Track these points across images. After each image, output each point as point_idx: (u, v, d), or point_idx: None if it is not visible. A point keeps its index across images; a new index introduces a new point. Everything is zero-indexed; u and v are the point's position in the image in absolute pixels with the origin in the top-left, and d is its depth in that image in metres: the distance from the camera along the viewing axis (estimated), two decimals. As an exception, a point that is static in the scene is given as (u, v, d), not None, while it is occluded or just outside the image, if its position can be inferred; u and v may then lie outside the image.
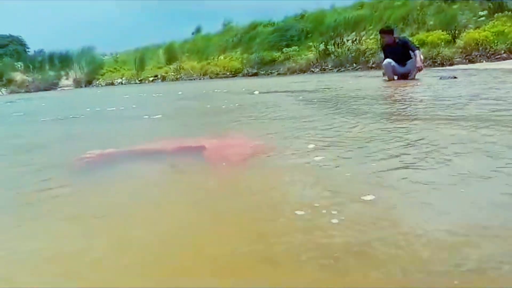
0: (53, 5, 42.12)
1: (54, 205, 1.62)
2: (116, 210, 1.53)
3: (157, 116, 4.29)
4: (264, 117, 3.60)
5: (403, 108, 3.57)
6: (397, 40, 7.42)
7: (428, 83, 6.20)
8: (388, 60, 7.35)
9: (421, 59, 7.11)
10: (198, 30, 23.23)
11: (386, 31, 7.56)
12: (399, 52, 7.25)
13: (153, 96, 8.80)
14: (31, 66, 24.26)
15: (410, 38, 10.31)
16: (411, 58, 7.23)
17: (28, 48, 34.34)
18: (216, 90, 8.59)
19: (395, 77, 7.49)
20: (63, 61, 24.96)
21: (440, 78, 6.89)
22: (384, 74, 7.68)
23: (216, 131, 3.12)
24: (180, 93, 8.96)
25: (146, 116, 4.34)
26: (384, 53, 7.68)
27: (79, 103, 8.73)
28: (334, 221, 1.23)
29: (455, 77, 6.80)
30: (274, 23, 19.34)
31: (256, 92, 6.84)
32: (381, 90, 5.94)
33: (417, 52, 7.07)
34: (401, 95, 4.65)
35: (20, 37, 33.26)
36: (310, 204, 1.37)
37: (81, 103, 8.24)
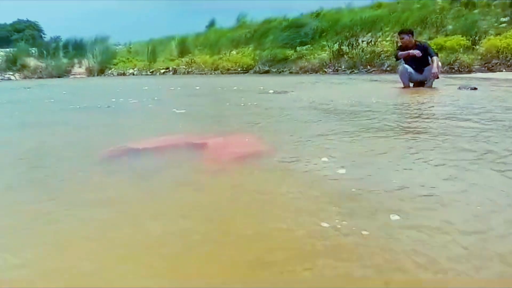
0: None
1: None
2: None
3: (182, 111, 4.48)
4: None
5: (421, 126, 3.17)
6: (417, 43, 6.89)
7: (446, 94, 5.74)
8: (405, 66, 6.90)
9: (438, 66, 6.70)
10: (212, 23, 22.81)
11: (406, 31, 6.99)
12: (418, 59, 6.74)
13: (171, 89, 8.89)
14: (45, 52, 24.09)
15: (429, 42, 9.80)
16: (429, 64, 6.78)
17: (44, 34, 34.31)
18: (234, 88, 8.54)
19: (411, 84, 7.05)
20: (77, 48, 24.77)
21: (459, 88, 6.43)
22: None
23: (231, 128, 3.35)
24: (197, 88, 8.96)
25: (174, 109, 4.56)
26: (399, 56, 7.04)
27: (99, 92, 8.82)
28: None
29: (475, 88, 6.33)
30: (288, 20, 18.83)
31: (271, 91, 6.92)
32: (392, 100, 5.51)
33: (435, 58, 6.66)
34: (418, 108, 4.24)
35: (37, 23, 33.26)
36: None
37: (102, 93, 8.41)
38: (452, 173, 1.83)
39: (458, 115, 3.55)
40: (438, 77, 6.82)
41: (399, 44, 7.20)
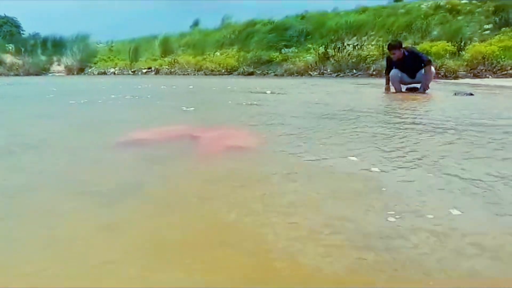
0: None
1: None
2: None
3: (191, 108, 4.45)
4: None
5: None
6: (406, 53, 6.45)
7: (442, 100, 5.36)
8: (395, 70, 6.52)
9: (431, 77, 6.51)
10: (196, 23, 22.20)
11: (395, 46, 6.45)
12: (409, 66, 6.40)
13: (164, 88, 8.79)
14: (22, 49, 23.03)
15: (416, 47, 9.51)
16: (421, 68, 6.40)
17: (23, 30, 33.00)
18: (228, 87, 8.34)
19: (403, 88, 6.68)
20: (56, 46, 23.78)
21: (455, 94, 6.08)
22: (387, 89, 6.77)
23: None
24: (191, 87, 8.83)
25: (184, 108, 4.52)
26: (389, 65, 6.68)
27: (92, 89, 8.60)
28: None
29: (471, 94, 5.99)
30: (273, 22, 18.41)
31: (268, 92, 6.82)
32: (388, 106, 5.09)
33: (428, 67, 6.36)
34: (419, 114, 3.81)
35: (15, 19, 31.88)
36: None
37: (96, 90, 8.25)
38: None
39: (477, 120, 3.14)
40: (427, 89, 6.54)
41: (391, 57, 6.63)
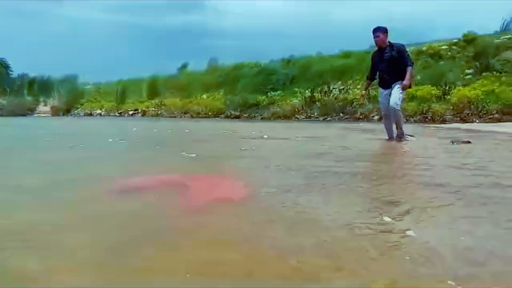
0: (43, 30, 40.80)
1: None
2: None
3: (193, 155, 4.37)
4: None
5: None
6: (392, 47, 5.60)
7: (442, 151, 4.92)
8: (382, 97, 5.83)
9: (412, 75, 5.79)
10: (184, 66, 22.07)
11: (379, 28, 5.65)
12: (391, 62, 5.59)
13: (158, 131, 8.53)
14: (8, 90, 22.45)
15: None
16: (404, 73, 5.54)
17: (11, 71, 32.63)
18: (223, 131, 8.09)
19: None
20: (43, 87, 23.34)
21: (452, 143, 5.68)
22: (362, 96, 6.47)
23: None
24: (187, 130, 8.71)
25: (188, 154, 4.39)
26: (372, 65, 5.96)
27: (86, 133, 8.40)
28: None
29: (469, 142, 5.60)
30: (259, 65, 18.32)
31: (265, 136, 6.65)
32: (386, 160, 4.64)
33: (409, 68, 5.55)
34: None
35: (4, 59, 31.48)
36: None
37: (90, 133, 8.09)
38: None
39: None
40: (410, 87, 5.98)
41: (375, 41, 5.75)
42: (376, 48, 5.95)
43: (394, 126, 5.92)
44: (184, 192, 2.48)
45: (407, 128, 6.70)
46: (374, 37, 5.70)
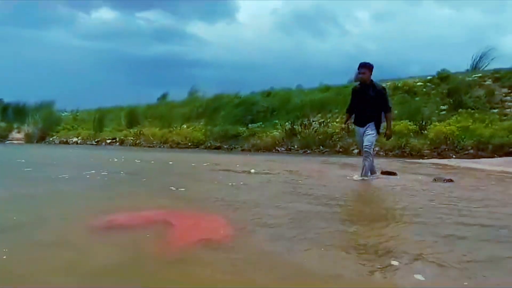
0: (22, 56, 40.10)
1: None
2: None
3: (182, 189, 4.30)
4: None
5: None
6: (374, 85, 5.48)
7: (427, 191, 4.84)
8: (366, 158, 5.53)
9: (390, 124, 5.76)
10: (164, 96, 21.88)
11: (366, 65, 5.46)
12: (371, 102, 5.42)
13: (140, 163, 8.20)
14: (-21, 116, 21.67)
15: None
16: (378, 112, 5.47)
17: (-14, 97, 31.71)
18: (205, 164, 7.77)
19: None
20: (18, 113, 22.60)
21: (435, 180, 5.64)
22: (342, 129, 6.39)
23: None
24: (170, 162, 8.45)
25: (176, 189, 4.30)
26: (351, 99, 5.76)
27: (64, 162, 7.96)
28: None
29: (451, 180, 5.57)
30: (240, 97, 18.34)
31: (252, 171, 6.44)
32: (372, 201, 4.51)
33: (389, 115, 5.59)
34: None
35: (-22, 85, 30.64)
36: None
37: (68, 163, 7.76)
38: None
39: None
40: (391, 137, 6.11)
41: (358, 78, 5.66)
42: (357, 84, 5.84)
43: (374, 162, 5.79)
44: (167, 232, 2.47)
45: (385, 163, 6.66)
46: (358, 73, 5.54)
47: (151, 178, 5.72)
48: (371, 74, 5.48)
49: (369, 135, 5.47)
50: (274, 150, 13.43)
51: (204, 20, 50.27)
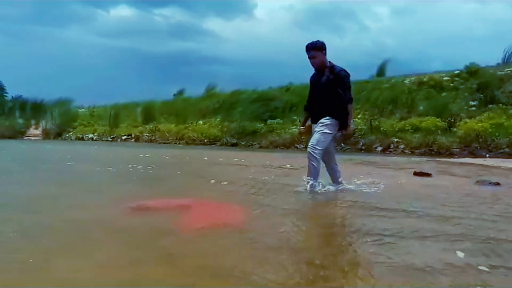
0: (41, 54, 40.42)
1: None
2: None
3: (225, 183, 4.55)
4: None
5: None
6: (333, 69, 4.15)
7: (475, 198, 4.20)
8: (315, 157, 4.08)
9: (350, 117, 4.20)
10: (180, 92, 21.46)
11: (316, 45, 4.14)
12: (326, 88, 4.15)
13: (169, 158, 8.69)
14: (-1, 112, 21.71)
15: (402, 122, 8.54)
16: (338, 103, 4.09)
17: (6, 93, 32.01)
18: (234, 159, 7.90)
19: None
20: (35, 109, 22.55)
21: (477, 183, 5.00)
22: (301, 132, 4.67)
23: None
24: (205, 158, 8.60)
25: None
26: (310, 91, 4.41)
27: (99, 158, 8.42)
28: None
29: (497, 183, 4.92)
30: (257, 92, 17.75)
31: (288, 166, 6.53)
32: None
33: (349, 106, 4.14)
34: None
35: (-1, 81, 30.83)
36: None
37: (104, 159, 8.17)
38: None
39: None
40: (351, 137, 4.65)
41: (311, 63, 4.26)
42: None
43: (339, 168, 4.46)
44: (187, 215, 2.98)
45: (414, 163, 6.04)
46: (308, 57, 4.20)
47: (187, 172, 6.21)
48: (324, 55, 4.16)
49: (317, 133, 4.12)
50: (293, 147, 12.84)
51: (221, 17, 49.91)
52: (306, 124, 4.52)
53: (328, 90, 4.12)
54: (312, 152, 4.05)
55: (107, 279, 1.69)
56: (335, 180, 4.35)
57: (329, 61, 4.20)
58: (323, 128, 4.10)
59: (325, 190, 4.10)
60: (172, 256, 2.01)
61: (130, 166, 6.25)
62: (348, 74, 4.19)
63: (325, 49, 4.17)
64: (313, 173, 4.09)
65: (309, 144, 4.12)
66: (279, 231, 2.51)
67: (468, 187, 4.76)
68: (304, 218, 3.12)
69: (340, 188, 4.29)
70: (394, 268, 1.82)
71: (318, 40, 4.17)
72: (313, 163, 4.06)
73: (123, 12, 47.21)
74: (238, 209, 3.13)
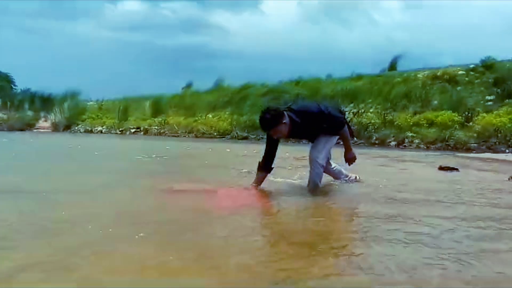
0: (51, 47, 40.46)
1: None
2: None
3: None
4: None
5: None
6: (296, 120, 3.61)
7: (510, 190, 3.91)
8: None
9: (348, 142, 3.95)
10: (188, 86, 21.19)
11: (270, 122, 3.56)
12: (308, 131, 3.85)
13: (190, 149, 9.26)
14: (8, 104, 21.61)
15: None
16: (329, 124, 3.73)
17: (15, 86, 32.01)
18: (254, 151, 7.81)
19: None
20: (44, 102, 22.47)
21: (510, 178, 4.70)
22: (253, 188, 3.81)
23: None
24: (228, 150, 9.01)
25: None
26: (269, 142, 3.90)
27: (120, 149, 9.10)
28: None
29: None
30: (267, 86, 17.45)
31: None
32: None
33: (342, 134, 3.86)
34: None
35: (8, 74, 30.89)
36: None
37: (120, 149, 8.89)
38: None
39: None
40: (354, 160, 4.04)
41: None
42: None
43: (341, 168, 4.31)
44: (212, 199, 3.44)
45: (433, 157, 5.76)
46: (271, 135, 3.71)
47: (212, 162, 6.53)
48: (285, 127, 3.56)
49: (321, 144, 3.85)
50: (304, 141, 12.55)
51: (229, 10, 49.57)
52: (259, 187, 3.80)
53: (311, 128, 3.75)
54: (318, 160, 3.77)
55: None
56: (337, 176, 4.32)
57: (289, 118, 3.57)
58: (328, 141, 3.86)
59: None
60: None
61: (164, 156, 7.00)
62: (329, 109, 3.71)
63: (281, 116, 3.52)
64: (316, 185, 3.84)
65: (314, 154, 3.78)
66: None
67: (504, 183, 4.45)
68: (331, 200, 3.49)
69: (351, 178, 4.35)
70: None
71: (267, 114, 3.55)
72: (318, 173, 3.82)
73: (132, 6, 47.05)
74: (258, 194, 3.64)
